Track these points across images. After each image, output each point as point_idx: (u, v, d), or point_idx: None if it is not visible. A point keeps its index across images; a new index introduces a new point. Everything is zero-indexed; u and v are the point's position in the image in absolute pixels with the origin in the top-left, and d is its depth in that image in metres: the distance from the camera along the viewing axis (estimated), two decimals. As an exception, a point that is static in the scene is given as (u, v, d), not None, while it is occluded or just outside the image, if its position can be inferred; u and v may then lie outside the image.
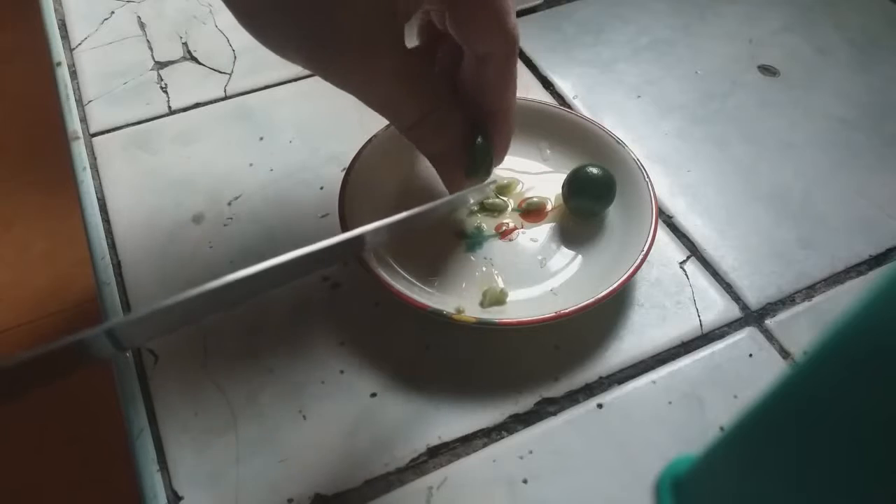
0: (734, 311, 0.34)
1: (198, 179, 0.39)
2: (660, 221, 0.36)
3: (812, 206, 0.39)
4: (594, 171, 0.35)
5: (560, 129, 0.39)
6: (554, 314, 0.30)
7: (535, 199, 0.37)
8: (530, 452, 0.30)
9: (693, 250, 0.37)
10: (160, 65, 0.46)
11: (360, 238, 0.26)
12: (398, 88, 0.28)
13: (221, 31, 0.49)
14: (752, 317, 0.34)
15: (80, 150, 0.41)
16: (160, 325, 0.22)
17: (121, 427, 0.30)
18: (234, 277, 0.22)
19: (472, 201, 0.36)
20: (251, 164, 0.40)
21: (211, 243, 0.36)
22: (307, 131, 0.42)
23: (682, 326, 0.34)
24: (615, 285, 0.31)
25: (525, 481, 0.29)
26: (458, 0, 0.28)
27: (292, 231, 0.37)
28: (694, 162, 0.41)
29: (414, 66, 0.28)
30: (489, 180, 0.35)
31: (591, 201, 0.36)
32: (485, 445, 0.30)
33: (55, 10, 0.50)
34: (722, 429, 0.30)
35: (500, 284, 0.34)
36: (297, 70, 0.46)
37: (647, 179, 0.36)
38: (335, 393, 0.31)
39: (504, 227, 0.36)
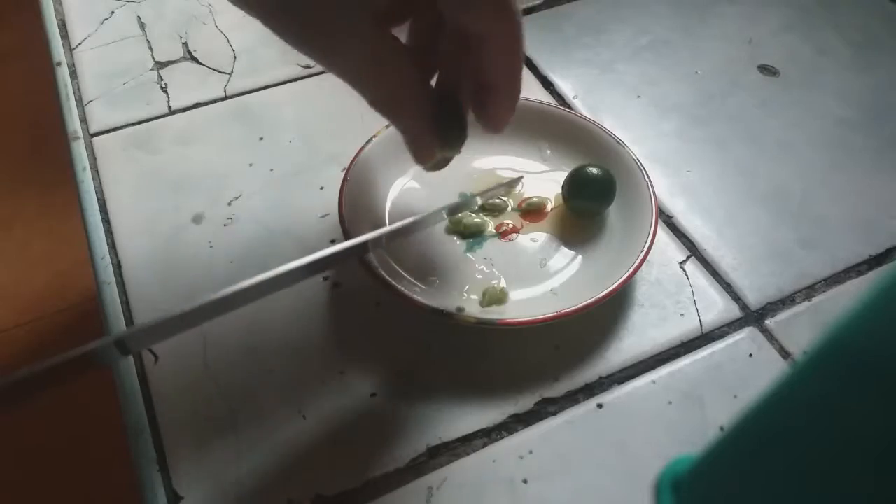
0: (734, 311, 0.34)
1: (198, 179, 0.39)
2: (660, 221, 0.36)
3: (812, 206, 0.39)
4: (594, 171, 0.35)
5: (560, 129, 0.39)
6: (554, 314, 0.30)
7: (535, 199, 0.37)
8: (530, 452, 0.30)
9: (693, 250, 0.37)
10: (160, 65, 0.46)
11: (361, 245, 0.27)
12: (364, 66, 0.26)
13: (221, 31, 0.49)
14: (752, 317, 0.34)
15: (80, 150, 0.41)
16: (166, 332, 0.23)
17: (121, 427, 0.30)
18: (239, 287, 0.23)
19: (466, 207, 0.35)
20: (251, 164, 0.40)
21: (211, 243, 0.36)
22: (307, 131, 0.42)
23: (682, 326, 0.34)
24: (615, 285, 0.31)
25: (525, 481, 0.29)
26: None
27: (292, 231, 0.37)
28: (694, 162, 0.41)
29: (381, 44, 0.26)
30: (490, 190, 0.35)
31: (591, 201, 0.36)
32: (485, 445, 0.30)
33: (55, 10, 0.50)
34: (722, 429, 0.30)
35: (500, 284, 0.34)
36: (297, 70, 0.46)
37: (647, 179, 0.36)
38: (335, 393, 0.31)
39: (504, 227, 0.36)
